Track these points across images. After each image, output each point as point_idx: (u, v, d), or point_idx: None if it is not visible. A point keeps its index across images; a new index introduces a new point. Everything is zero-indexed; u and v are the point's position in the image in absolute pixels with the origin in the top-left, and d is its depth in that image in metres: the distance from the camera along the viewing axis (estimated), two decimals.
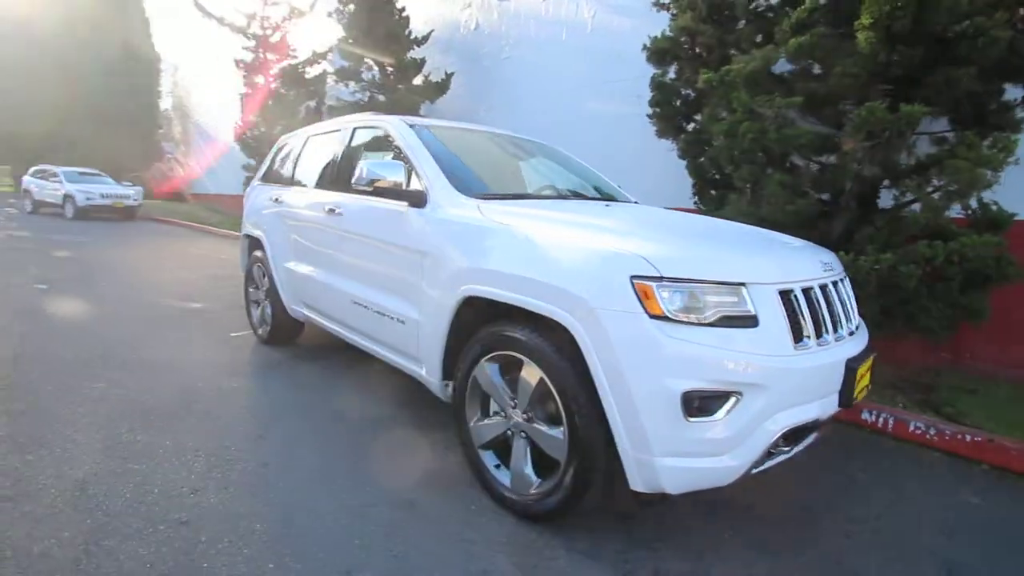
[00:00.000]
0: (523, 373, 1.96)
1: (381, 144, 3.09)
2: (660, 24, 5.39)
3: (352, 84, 8.15)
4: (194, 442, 2.51)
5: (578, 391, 1.77)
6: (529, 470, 2.00)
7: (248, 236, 4.29)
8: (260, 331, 4.12)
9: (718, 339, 1.65)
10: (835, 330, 1.93)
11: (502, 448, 2.16)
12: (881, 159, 2.98)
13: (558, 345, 1.83)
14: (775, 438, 1.71)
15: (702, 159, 4.16)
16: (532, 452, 2.00)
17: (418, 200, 2.50)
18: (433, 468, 2.40)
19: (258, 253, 4.06)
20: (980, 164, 2.67)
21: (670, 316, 1.64)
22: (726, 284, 1.70)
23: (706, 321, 1.66)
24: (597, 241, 1.83)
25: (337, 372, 3.60)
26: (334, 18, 8.11)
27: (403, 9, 7.68)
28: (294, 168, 3.86)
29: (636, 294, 1.66)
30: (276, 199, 3.80)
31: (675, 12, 4.25)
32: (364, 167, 2.52)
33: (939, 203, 2.90)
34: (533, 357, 1.90)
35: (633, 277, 1.67)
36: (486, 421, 2.17)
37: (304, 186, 3.61)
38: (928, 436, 2.76)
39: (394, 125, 2.90)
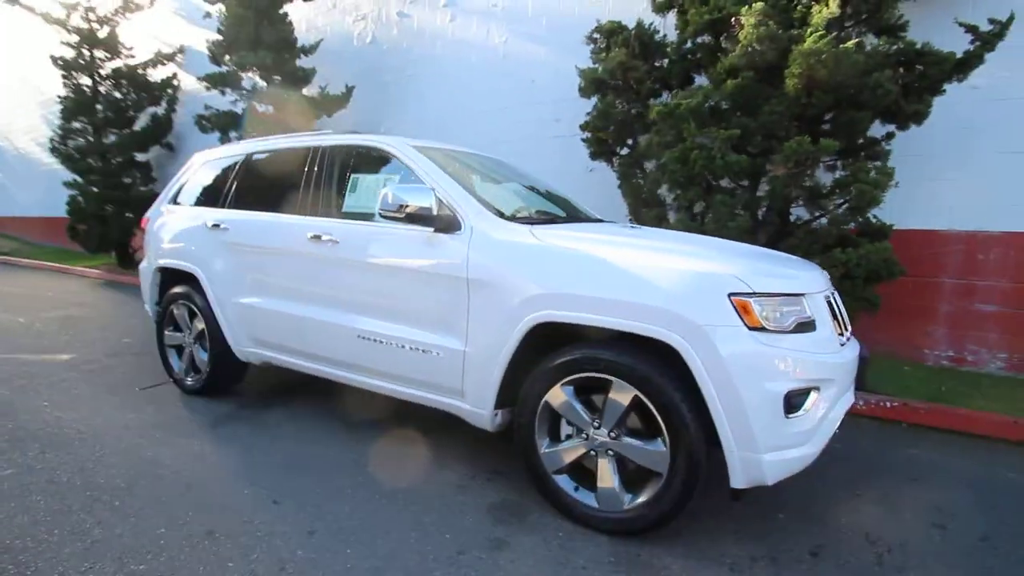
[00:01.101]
0: (612, 393, 2.02)
1: (370, 165, 2.89)
2: (573, 55, 5.82)
3: (229, 92, 7.24)
4: (200, 523, 2.08)
5: (681, 404, 1.89)
6: (619, 487, 2.06)
7: (163, 270, 3.62)
8: (189, 380, 3.50)
9: (798, 343, 1.90)
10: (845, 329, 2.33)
11: (574, 471, 2.18)
12: (799, 183, 3.63)
13: (655, 363, 1.93)
14: (836, 425, 2.02)
15: (636, 180, 4.57)
16: (619, 469, 2.07)
17: (448, 225, 2.40)
18: (497, 501, 2.32)
19: (179, 289, 3.46)
20: (875, 187, 3.41)
21: (765, 327, 1.85)
22: (794, 295, 1.97)
23: (788, 329, 1.90)
24: (682, 263, 1.98)
25: (313, 415, 3.23)
26: (212, 18, 7.16)
27: (286, 15, 7.07)
28: (236, 190, 3.37)
29: (735, 310, 1.84)
30: (216, 225, 3.29)
31: (603, 48, 4.64)
32: (390, 192, 2.36)
33: (843, 218, 3.63)
34: (626, 376, 1.97)
35: (731, 294, 1.85)
36: (561, 446, 2.18)
37: (261, 211, 3.18)
38: (858, 406, 3.42)
39: (398, 147, 2.74)
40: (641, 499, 2.01)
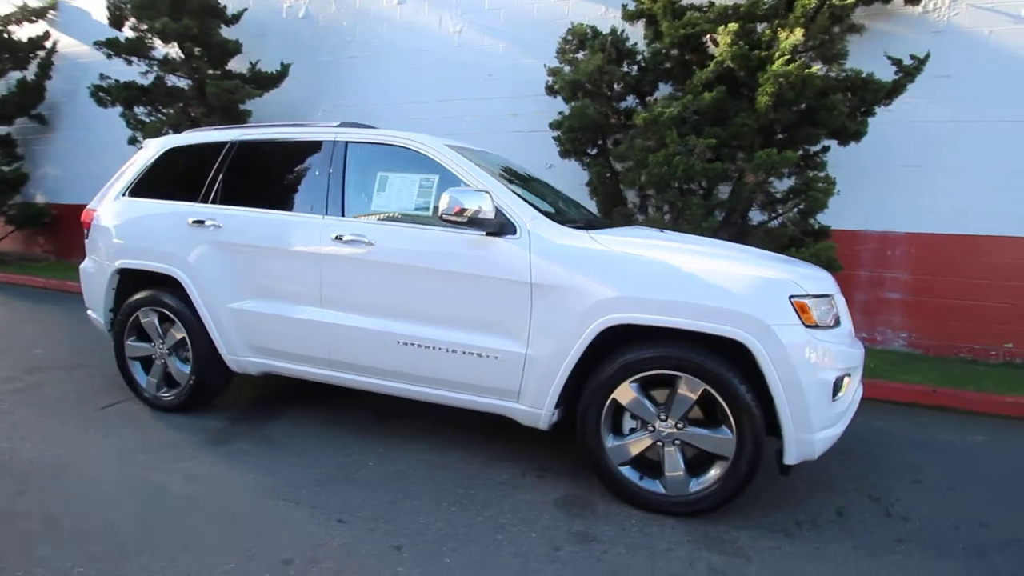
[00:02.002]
0: (680, 388, 2.20)
1: (397, 163, 2.77)
2: (532, 51, 5.91)
3: (137, 61, 6.30)
4: (270, 553, 1.94)
5: (746, 394, 2.12)
6: (684, 473, 2.25)
7: (124, 272, 3.18)
8: (166, 396, 3.13)
9: (835, 337, 2.22)
10: None
11: (636, 462, 2.34)
12: (763, 188, 4.08)
13: (720, 359, 2.14)
14: (856, 408, 2.39)
15: (605, 180, 4.81)
16: (683, 456, 2.26)
17: (501, 229, 2.42)
18: (559, 497, 2.41)
19: (145, 294, 3.12)
20: (824, 194, 3.95)
21: (817, 324, 2.13)
22: (827, 296, 2.28)
23: (829, 324, 2.21)
24: (743, 269, 2.20)
25: (316, 425, 3.06)
26: None
27: None
28: (224, 182, 3.04)
29: (795, 310, 2.10)
30: (200, 222, 2.95)
31: (573, 50, 4.79)
32: (449, 196, 2.32)
33: (795, 220, 4.15)
34: (695, 372, 2.16)
35: (791, 296, 2.11)
36: (626, 439, 2.32)
37: (260, 207, 2.91)
38: None
39: (433, 146, 2.67)
40: (706, 482, 2.22)
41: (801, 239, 4.19)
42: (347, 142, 2.84)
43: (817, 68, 3.69)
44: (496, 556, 1.98)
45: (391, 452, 2.77)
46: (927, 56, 4.00)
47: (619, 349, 2.28)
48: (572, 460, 2.72)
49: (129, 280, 3.23)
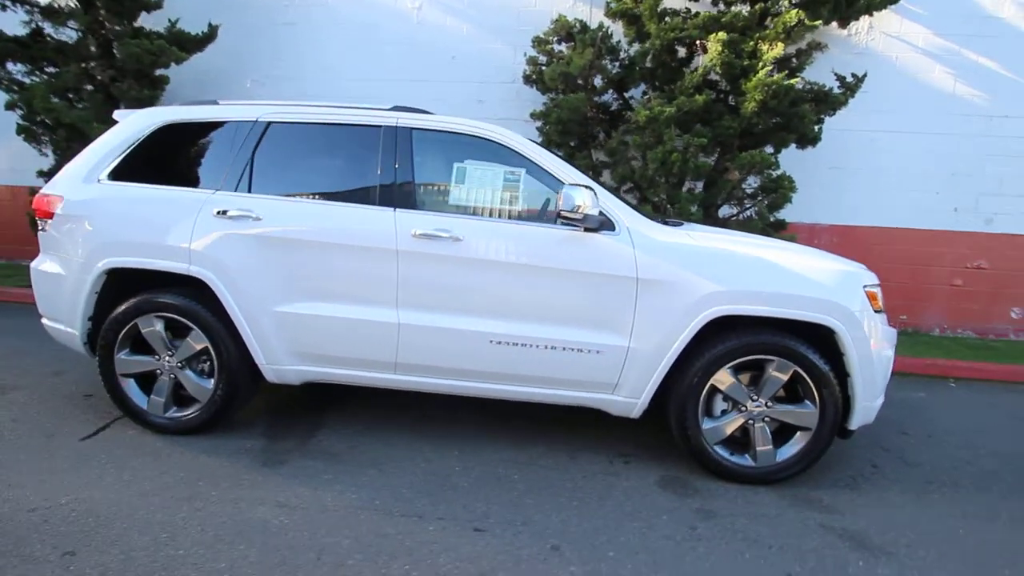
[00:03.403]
0: (772, 371, 2.44)
1: (468, 153, 2.65)
2: (499, 38, 5.82)
3: (12, 5, 4.99)
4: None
5: (829, 373, 2.42)
6: (771, 446, 2.51)
7: (119, 271, 2.64)
8: (178, 416, 2.71)
9: (885, 319, 2.61)
10: None
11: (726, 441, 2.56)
12: (741, 184, 4.54)
13: (806, 343, 2.42)
14: None
15: (588, 174, 4.96)
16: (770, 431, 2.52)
17: (601, 225, 2.46)
18: (657, 479, 2.56)
19: (143, 299, 2.62)
20: (790, 190, 4.51)
21: (880, 309, 2.50)
22: (879, 284, 2.66)
23: (883, 310, 2.59)
24: (822, 263, 2.51)
25: (367, 432, 2.88)
26: None
27: None
28: (252, 168, 2.64)
29: (867, 298, 2.44)
30: (233, 213, 2.55)
31: (554, 43, 4.86)
32: (569, 193, 2.30)
33: (766, 213, 4.68)
34: (788, 356, 2.41)
35: (864, 286, 2.45)
36: (721, 421, 2.53)
37: (305, 197, 2.60)
38: None
39: (515, 138, 2.61)
40: (792, 452, 2.51)
41: (767, 231, 4.73)
42: (412, 128, 2.64)
43: (795, 81, 4.17)
44: (649, 542, 2.06)
45: (465, 455, 2.68)
46: (864, 75, 4.72)
47: (715, 337, 2.45)
48: (641, 444, 2.87)
49: (116, 283, 2.68)
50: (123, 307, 2.63)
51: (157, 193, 2.67)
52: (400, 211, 2.54)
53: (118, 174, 2.73)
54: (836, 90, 4.72)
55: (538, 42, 5.24)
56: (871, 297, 2.46)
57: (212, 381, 2.67)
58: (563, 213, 2.32)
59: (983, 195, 5.49)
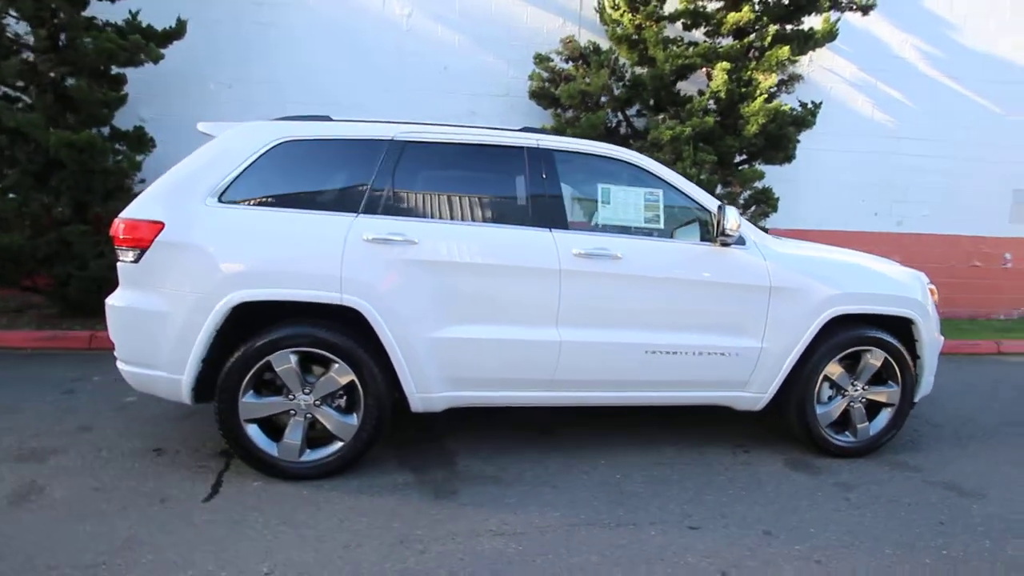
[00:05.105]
0: (869, 359, 2.90)
1: (604, 174, 2.79)
2: (491, 50, 5.89)
3: None
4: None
5: (908, 356, 2.94)
6: (867, 423, 2.98)
7: (248, 306, 2.37)
8: (316, 459, 2.50)
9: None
10: None
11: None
12: (740, 196, 5.13)
13: (893, 333, 2.92)
14: None
15: None
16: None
17: (732, 241, 2.74)
18: (785, 463, 2.90)
19: (282, 334, 2.40)
20: (776, 200, 5.20)
21: (936, 304, 3.08)
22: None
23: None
24: (898, 268, 3.02)
25: (509, 450, 2.93)
26: None
27: None
28: (393, 191, 2.53)
29: (929, 294, 3.00)
30: (389, 238, 2.44)
31: (556, 61, 5.11)
32: (729, 214, 2.57)
33: (756, 222, 5.32)
34: (880, 346, 2.88)
35: (927, 285, 3.00)
36: (831, 406, 2.93)
37: (457, 221, 2.57)
38: None
39: (651, 162, 2.82)
40: (881, 426, 2.99)
41: None
42: (553, 150, 2.70)
43: (788, 106, 4.83)
44: (827, 515, 2.37)
45: (612, 463, 2.79)
46: (821, 103, 5.57)
47: (825, 335, 2.85)
48: (746, 435, 3.20)
49: (238, 317, 2.40)
50: (256, 344, 2.37)
51: (293, 217, 2.43)
52: (556, 231, 2.60)
53: (231, 196, 2.44)
54: (800, 114, 5.52)
55: (539, 59, 5.43)
56: (932, 293, 3.03)
57: (356, 416, 2.50)
58: (727, 231, 2.56)
59: (895, 202, 6.74)
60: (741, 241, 2.76)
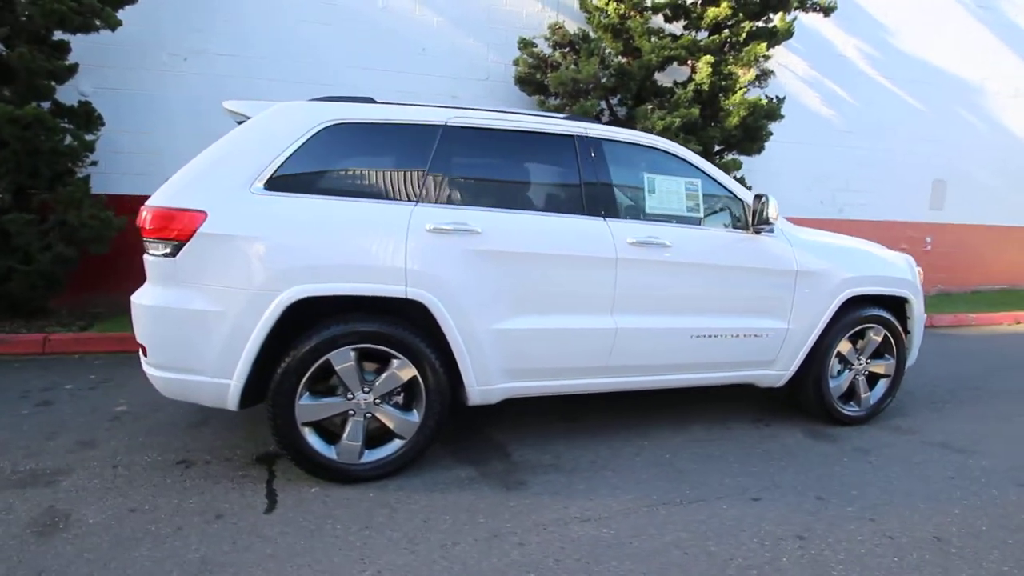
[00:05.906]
0: (872, 335, 3.20)
1: (646, 163, 2.85)
2: (472, 34, 5.74)
3: None
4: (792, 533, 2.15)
5: (901, 331, 3.27)
6: (869, 393, 3.28)
7: (306, 302, 2.21)
8: (375, 459, 2.41)
9: None
10: None
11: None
12: None
13: (890, 311, 3.23)
14: None
15: None
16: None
17: (767, 229, 2.91)
18: (803, 434, 3.15)
19: (341, 330, 2.27)
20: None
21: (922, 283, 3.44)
22: None
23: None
24: (890, 251, 3.33)
25: (557, 438, 2.98)
26: None
27: None
28: (447, 177, 2.44)
29: (917, 276, 3.35)
30: (452, 227, 2.36)
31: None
32: (770, 203, 2.70)
33: None
34: (882, 323, 3.19)
35: (915, 267, 3.35)
36: (841, 379, 3.22)
37: (513, 209, 2.53)
38: None
39: (689, 153, 2.91)
40: (879, 395, 3.31)
41: None
42: (601, 139, 2.72)
43: (764, 100, 5.12)
44: (859, 476, 2.61)
45: (655, 443, 2.90)
46: (784, 97, 5.94)
47: (838, 314, 3.10)
48: (761, 408, 3.43)
49: (291, 315, 2.23)
50: (312, 342, 2.21)
51: (349, 206, 2.28)
52: (610, 220, 2.63)
53: (279, 183, 2.25)
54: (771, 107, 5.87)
55: (524, 44, 5.37)
56: (920, 275, 3.38)
57: (417, 413, 2.42)
58: (769, 219, 2.70)
59: (837, 191, 7.37)
60: (769, 228, 2.93)
